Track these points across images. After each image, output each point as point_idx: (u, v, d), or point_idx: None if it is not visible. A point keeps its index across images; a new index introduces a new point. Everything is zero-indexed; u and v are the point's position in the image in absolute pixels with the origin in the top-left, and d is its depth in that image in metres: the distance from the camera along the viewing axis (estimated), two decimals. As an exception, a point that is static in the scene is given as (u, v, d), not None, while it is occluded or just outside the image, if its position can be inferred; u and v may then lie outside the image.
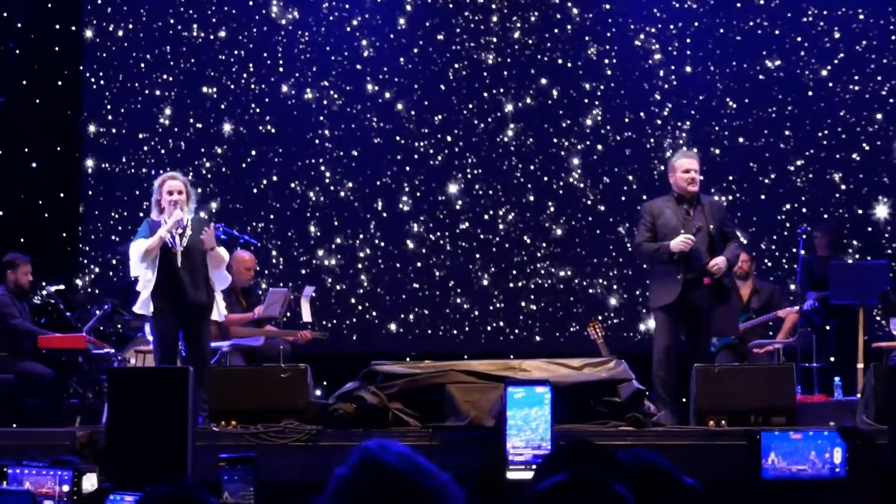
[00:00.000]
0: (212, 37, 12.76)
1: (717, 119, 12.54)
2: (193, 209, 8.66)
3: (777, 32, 12.51)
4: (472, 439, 7.26)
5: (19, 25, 12.19)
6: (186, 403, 6.84)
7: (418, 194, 12.70)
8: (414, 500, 2.09)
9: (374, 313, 12.59)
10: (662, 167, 12.09)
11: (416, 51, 12.80)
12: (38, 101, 12.33)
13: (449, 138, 12.73)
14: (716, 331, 9.67)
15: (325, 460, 6.98)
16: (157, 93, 12.64)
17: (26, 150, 12.26)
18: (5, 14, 12.21)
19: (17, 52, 12.17)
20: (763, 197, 12.40)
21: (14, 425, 9.12)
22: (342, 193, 12.66)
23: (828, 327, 10.75)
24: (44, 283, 10.58)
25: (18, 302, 10.12)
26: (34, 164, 12.29)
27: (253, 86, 12.72)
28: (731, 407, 7.96)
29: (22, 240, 11.50)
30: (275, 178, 12.65)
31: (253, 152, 12.66)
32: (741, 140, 12.49)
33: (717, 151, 12.46)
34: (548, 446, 4.21)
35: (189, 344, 8.39)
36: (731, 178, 12.42)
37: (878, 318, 11.19)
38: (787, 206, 12.34)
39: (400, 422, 7.71)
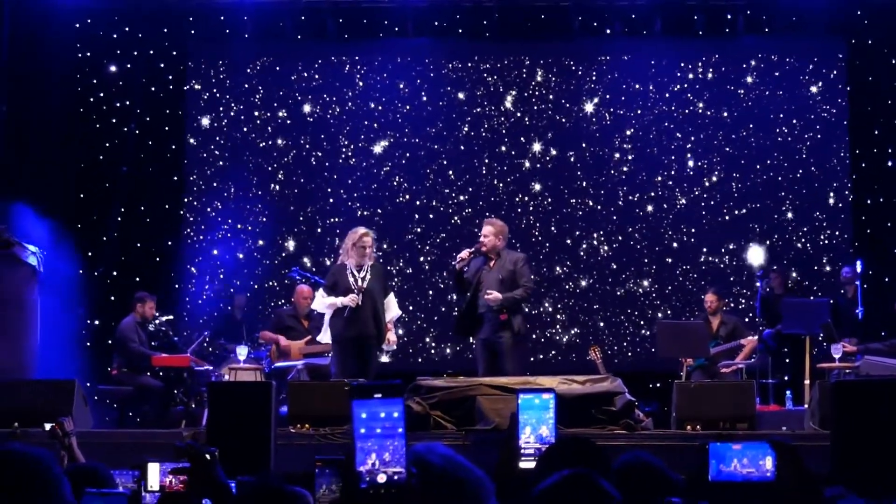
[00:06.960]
0: (280, 112, 12.73)
1: (707, 187, 12.43)
2: (374, 256, 8.86)
3: (755, 111, 12.41)
4: (497, 440, 7.27)
5: (138, 111, 12.49)
6: (270, 410, 6.83)
7: (435, 248, 12.44)
8: (454, 491, 2.13)
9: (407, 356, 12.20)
10: (670, 232, 12.23)
11: (431, 113, 12.53)
12: (150, 169, 12.54)
13: (463, 197, 12.49)
14: (693, 354, 9.75)
15: (379, 456, 6.98)
16: (233, 161, 12.73)
17: (142, 208, 12.48)
18: (128, 102, 12.52)
19: (137, 132, 12.47)
20: (732, 248, 12.33)
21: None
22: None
23: (785, 349, 10.71)
24: (158, 315, 10.70)
25: (141, 329, 10.28)
26: (148, 220, 12.48)
27: (303, 151, 12.68)
28: (704, 415, 7.96)
29: (137, 279, 11.64)
30: (306, 233, 12.47)
31: (292, 208, 12.56)
32: (724, 204, 12.38)
33: (706, 213, 12.37)
34: (552, 440, 4.23)
35: (359, 364, 8.53)
36: (717, 239, 12.37)
37: (824, 345, 11.12)
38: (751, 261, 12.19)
39: (439, 426, 7.72)
